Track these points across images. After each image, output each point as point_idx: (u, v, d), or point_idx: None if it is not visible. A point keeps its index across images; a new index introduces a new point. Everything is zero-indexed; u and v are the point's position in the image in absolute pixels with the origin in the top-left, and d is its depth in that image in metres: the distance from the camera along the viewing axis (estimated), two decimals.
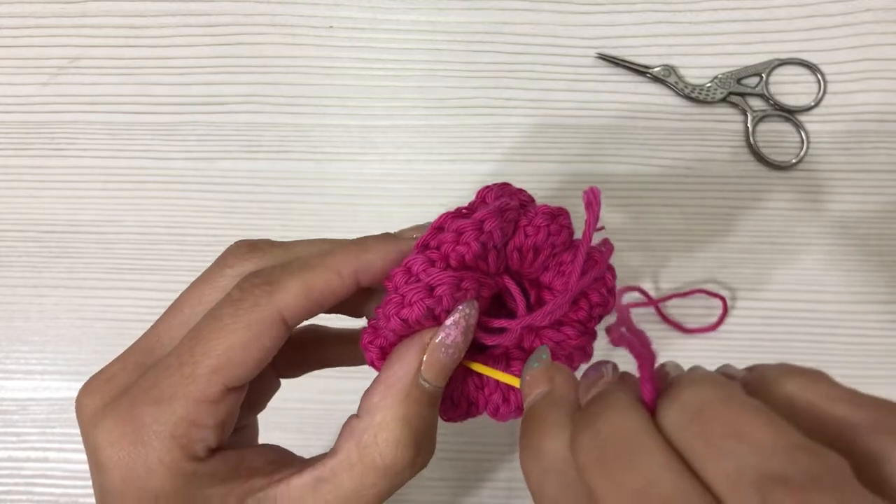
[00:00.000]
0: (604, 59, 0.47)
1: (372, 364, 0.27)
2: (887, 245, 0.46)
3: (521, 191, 0.28)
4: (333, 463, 0.24)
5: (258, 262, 0.26)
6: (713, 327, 0.45)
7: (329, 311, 0.28)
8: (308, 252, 0.26)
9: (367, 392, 0.25)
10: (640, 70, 0.46)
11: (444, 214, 0.26)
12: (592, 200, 0.25)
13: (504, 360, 0.27)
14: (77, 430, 0.48)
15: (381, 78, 0.47)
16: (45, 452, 0.46)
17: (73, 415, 0.48)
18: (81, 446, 0.48)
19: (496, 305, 0.28)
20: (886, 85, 0.46)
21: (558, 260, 0.27)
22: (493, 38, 0.47)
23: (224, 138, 0.47)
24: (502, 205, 0.26)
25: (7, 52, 0.48)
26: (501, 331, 0.26)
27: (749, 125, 0.46)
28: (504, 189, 0.28)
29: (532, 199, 0.28)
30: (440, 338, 0.25)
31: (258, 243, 0.27)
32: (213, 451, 0.24)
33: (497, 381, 0.27)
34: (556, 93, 0.47)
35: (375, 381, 0.25)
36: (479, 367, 0.27)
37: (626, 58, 0.47)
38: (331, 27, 0.48)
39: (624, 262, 0.46)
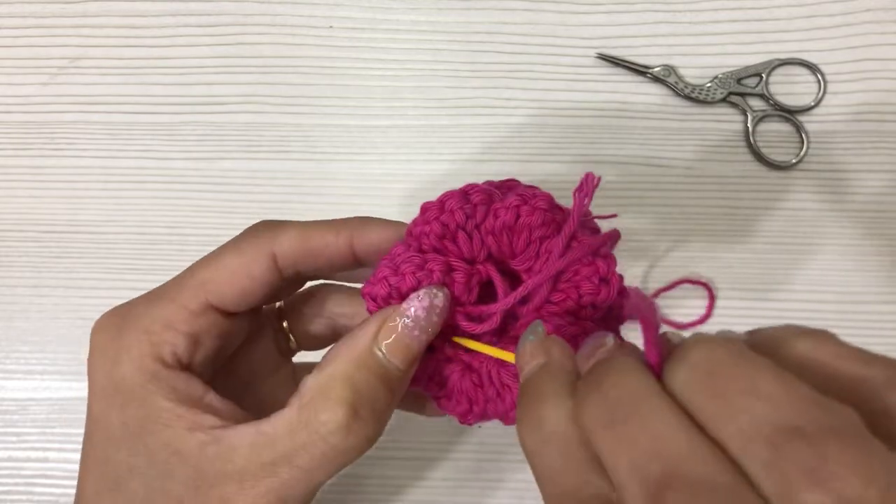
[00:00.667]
0: (604, 59, 0.47)
1: None
2: (887, 245, 0.46)
3: (530, 186, 0.28)
4: (276, 419, 0.24)
5: None
6: (703, 318, 0.45)
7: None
8: None
9: (329, 351, 0.26)
10: (640, 70, 0.46)
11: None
12: (583, 184, 0.25)
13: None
14: (76, 430, 0.48)
15: (380, 78, 0.47)
16: (45, 452, 0.46)
17: (74, 415, 0.48)
18: (80, 446, 0.48)
19: (491, 300, 0.28)
20: (886, 85, 0.46)
21: (547, 247, 0.27)
22: (492, 38, 0.47)
23: (224, 138, 0.47)
24: (468, 187, 0.26)
25: (7, 52, 0.48)
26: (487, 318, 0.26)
27: (749, 125, 0.46)
28: (504, 183, 0.28)
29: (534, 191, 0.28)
30: (401, 308, 0.25)
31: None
32: (181, 366, 0.25)
33: (491, 377, 0.27)
34: (556, 93, 0.47)
35: (340, 341, 0.26)
36: (468, 343, 0.27)
37: (626, 58, 0.47)
38: (331, 27, 0.48)
39: (623, 264, 0.46)
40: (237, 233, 0.29)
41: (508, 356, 0.25)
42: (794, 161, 0.46)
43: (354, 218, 0.27)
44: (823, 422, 0.15)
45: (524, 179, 0.47)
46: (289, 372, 0.33)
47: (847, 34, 0.47)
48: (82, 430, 0.46)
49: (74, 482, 0.46)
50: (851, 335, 0.48)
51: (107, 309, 0.47)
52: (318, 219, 0.27)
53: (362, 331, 0.25)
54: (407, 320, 0.24)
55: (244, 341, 0.30)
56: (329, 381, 0.24)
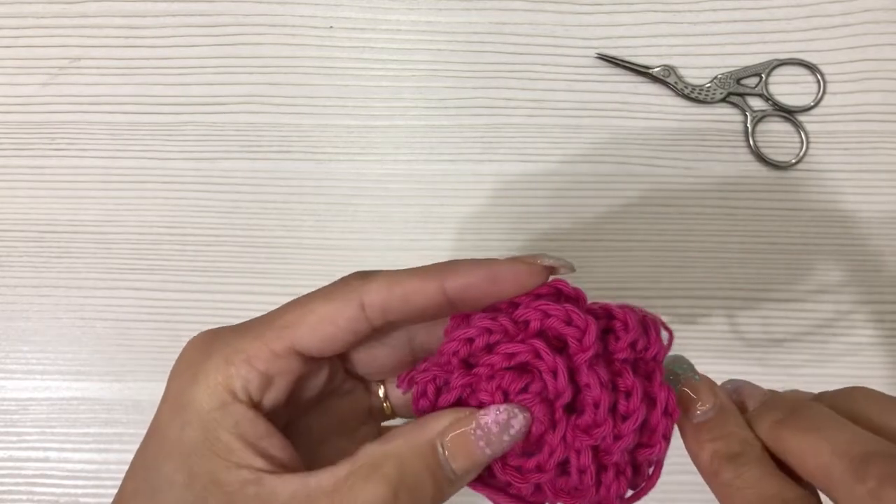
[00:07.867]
0: (604, 59, 0.47)
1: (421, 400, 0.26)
2: (887, 245, 0.46)
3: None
4: (323, 475, 0.24)
5: None
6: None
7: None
8: None
9: (398, 428, 0.25)
10: (639, 70, 0.47)
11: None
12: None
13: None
14: (76, 430, 0.48)
15: (380, 78, 0.48)
16: (45, 452, 0.46)
17: (74, 415, 0.48)
18: (81, 446, 0.48)
19: None
20: (885, 85, 0.47)
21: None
22: (492, 38, 0.47)
23: (224, 138, 0.47)
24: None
25: (7, 52, 0.48)
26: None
27: (749, 125, 0.46)
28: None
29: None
30: (478, 414, 0.24)
31: None
32: (251, 403, 0.25)
33: None
34: (556, 93, 0.47)
35: (412, 421, 0.25)
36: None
37: (626, 58, 0.47)
38: (331, 27, 0.48)
39: (623, 264, 0.46)
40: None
41: None
42: (793, 161, 0.46)
43: (443, 263, 0.26)
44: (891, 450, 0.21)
45: (524, 179, 0.47)
46: (374, 433, 0.32)
47: (846, 34, 0.47)
48: (82, 430, 0.46)
49: (74, 482, 0.46)
50: (850, 335, 0.48)
51: (105, 308, 0.48)
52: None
53: (434, 420, 0.24)
54: (477, 430, 0.24)
55: (334, 394, 0.30)
56: (384, 455, 0.24)
